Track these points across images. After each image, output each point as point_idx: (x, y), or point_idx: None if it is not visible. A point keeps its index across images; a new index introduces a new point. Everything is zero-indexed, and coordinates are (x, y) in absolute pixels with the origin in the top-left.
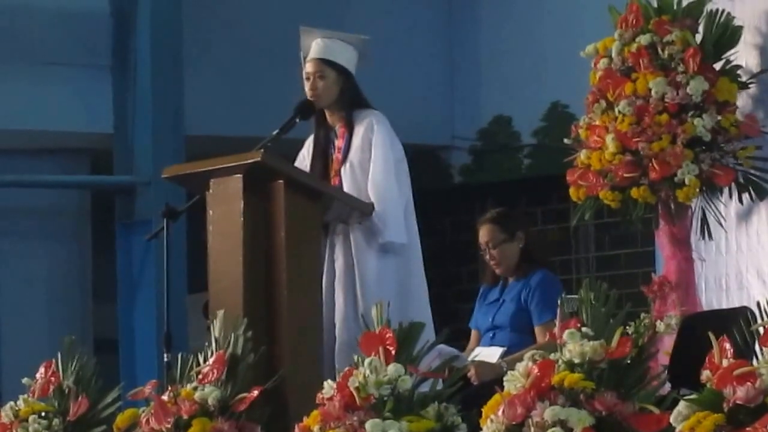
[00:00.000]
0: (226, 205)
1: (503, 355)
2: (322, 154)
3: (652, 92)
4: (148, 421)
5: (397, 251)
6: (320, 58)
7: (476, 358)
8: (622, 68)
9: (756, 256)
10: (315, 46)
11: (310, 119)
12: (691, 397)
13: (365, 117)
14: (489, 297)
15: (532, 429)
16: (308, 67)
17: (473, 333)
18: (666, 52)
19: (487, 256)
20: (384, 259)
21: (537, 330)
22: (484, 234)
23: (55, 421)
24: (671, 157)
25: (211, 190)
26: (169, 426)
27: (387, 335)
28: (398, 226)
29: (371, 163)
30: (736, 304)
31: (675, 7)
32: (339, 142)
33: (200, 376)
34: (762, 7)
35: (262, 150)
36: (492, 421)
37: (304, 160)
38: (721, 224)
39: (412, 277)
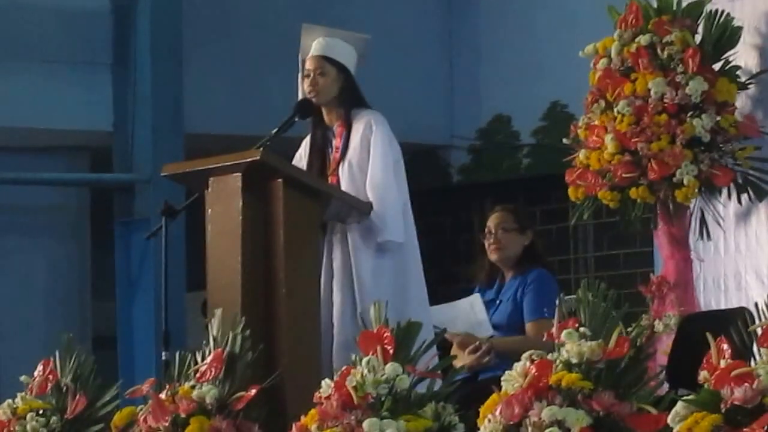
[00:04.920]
0: (225, 203)
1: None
2: (320, 153)
3: (652, 92)
4: (145, 419)
5: (395, 250)
6: (322, 56)
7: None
8: (622, 68)
9: (755, 256)
10: (316, 44)
11: (309, 118)
12: (689, 397)
13: (364, 116)
14: (485, 297)
15: (530, 429)
16: (309, 64)
17: None
18: (665, 53)
19: (491, 239)
20: (380, 259)
21: (528, 326)
22: (495, 217)
23: (53, 418)
24: (670, 157)
25: (210, 189)
26: (167, 424)
27: (385, 334)
28: (397, 226)
29: (370, 163)
30: (735, 305)
31: (674, 7)
32: (336, 141)
33: (198, 375)
34: (761, 8)
35: (261, 148)
36: (489, 420)
37: (300, 160)
38: (719, 225)
39: (410, 276)
